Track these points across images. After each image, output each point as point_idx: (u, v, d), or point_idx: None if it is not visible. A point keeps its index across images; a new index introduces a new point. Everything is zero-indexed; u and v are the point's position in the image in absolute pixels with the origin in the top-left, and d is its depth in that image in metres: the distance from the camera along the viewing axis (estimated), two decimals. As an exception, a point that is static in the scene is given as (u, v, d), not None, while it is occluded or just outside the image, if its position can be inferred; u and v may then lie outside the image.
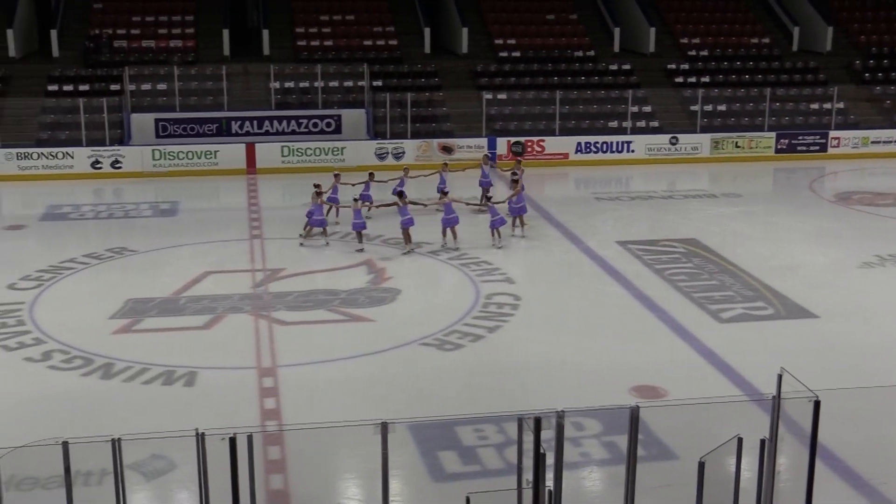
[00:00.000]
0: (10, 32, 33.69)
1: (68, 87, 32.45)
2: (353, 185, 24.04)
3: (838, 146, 34.15)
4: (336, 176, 23.88)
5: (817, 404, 9.43)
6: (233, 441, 8.69)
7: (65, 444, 8.94)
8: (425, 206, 24.21)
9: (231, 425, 9.28)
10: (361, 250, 21.46)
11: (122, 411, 13.58)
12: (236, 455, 8.74)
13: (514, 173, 24.97)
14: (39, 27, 36.50)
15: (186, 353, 15.67)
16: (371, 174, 24.78)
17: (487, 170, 26.40)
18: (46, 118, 31.59)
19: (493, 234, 22.06)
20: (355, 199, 22.18)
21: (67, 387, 14.45)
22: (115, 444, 8.95)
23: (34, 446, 10.11)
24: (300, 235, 22.40)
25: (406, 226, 21.48)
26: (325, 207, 22.74)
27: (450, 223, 21.82)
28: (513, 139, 32.35)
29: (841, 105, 35.24)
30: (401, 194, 22.36)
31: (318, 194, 22.14)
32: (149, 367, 15.01)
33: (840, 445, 12.10)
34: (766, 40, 38.55)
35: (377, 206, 23.91)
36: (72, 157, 30.00)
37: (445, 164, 26.33)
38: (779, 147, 33.81)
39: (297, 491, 11.47)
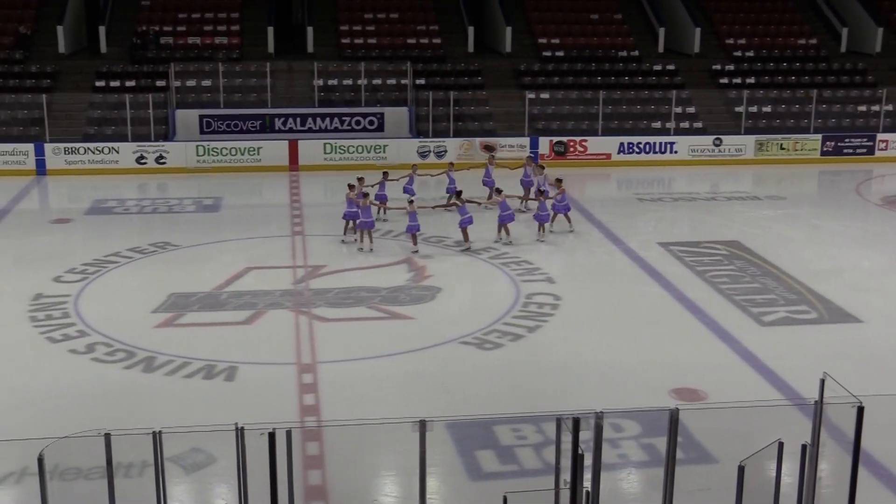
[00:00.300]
0: (59, 29, 34.17)
1: (115, 83, 32.82)
2: (372, 185, 23.91)
3: (886, 149, 33.65)
4: (360, 180, 23.70)
5: (861, 410, 9.32)
6: (272, 436, 8.73)
7: (107, 436, 9.05)
8: (480, 204, 24.08)
9: (270, 420, 9.34)
10: (416, 252, 21.37)
11: (163, 404, 13.72)
12: (275, 450, 8.78)
13: (532, 167, 25.79)
14: (88, 24, 37.00)
15: (227, 348, 15.80)
16: (385, 173, 24.74)
17: (492, 170, 26.25)
18: (93, 113, 31.98)
19: (539, 229, 22.43)
20: (410, 202, 22.03)
21: (110, 379, 14.62)
22: (156, 437, 9.03)
23: (77, 437, 10.23)
24: (344, 241, 22.25)
25: (465, 224, 21.67)
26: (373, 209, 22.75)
27: (505, 220, 21.93)
28: (555, 139, 32.26)
29: (890, 107, 34.71)
30: (459, 193, 22.23)
31: (365, 195, 22.09)
32: (190, 361, 15.15)
33: (884, 452, 11.94)
34: (814, 41, 38.10)
35: (436, 207, 23.82)
36: (117, 153, 30.35)
37: (451, 164, 26.36)
38: (825, 149, 33.39)
39: (335, 487, 11.52)
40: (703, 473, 11.69)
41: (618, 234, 23.26)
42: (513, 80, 35.18)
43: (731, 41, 37.75)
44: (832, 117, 34.55)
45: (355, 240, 22.02)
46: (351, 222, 22.34)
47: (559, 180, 23.33)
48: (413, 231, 21.62)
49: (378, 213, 24.04)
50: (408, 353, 15.78)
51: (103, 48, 34.85)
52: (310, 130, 32.37)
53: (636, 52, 36.56)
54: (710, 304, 18.18)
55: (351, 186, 22.34)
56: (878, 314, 17.72)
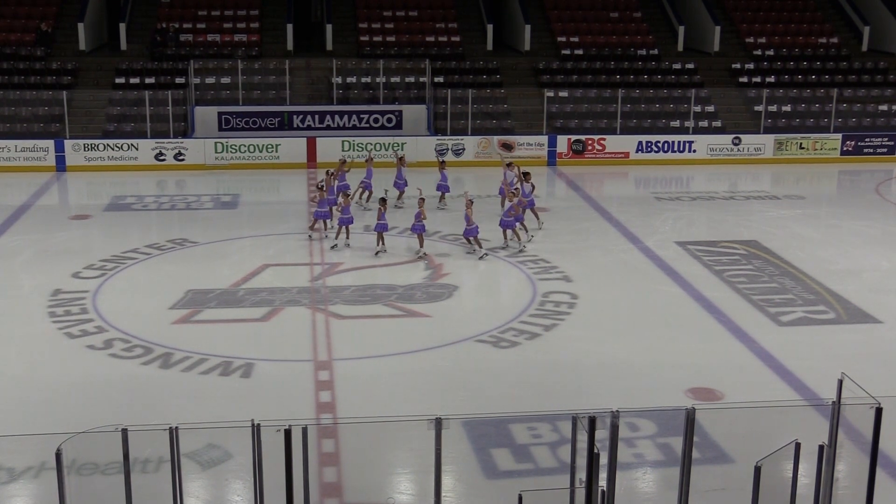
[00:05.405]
0: (80, 26, 34.37)
1: (135, 80, 32.98)
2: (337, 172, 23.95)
3: (907, 149, 33.50)
4: (328, 174, 23.63)
5: (879, 411, 9.27)
6: (288, 433, 8.76)
7: (124, 431, 9.09)
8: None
9: (286, 417, 9.36)
10: (382, 252, 21.00)
11: (180, 400, 13.77)
12: (291, 447, 8.80)
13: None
14: (109, 21, 37.23)
15: (244, 345, 15.84)
16: (343, 160, 25.19)
17: (448, 173, 25.82)
18: (113, 110, 32.13)
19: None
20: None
21: (127, 375, 14.68)
22: (173, 433, 9.07)
23: (95, 432, 10.29)
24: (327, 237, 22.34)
25: (381, 230, 21.12)
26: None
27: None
28: (573, 137, 32.20)
29: (911, 107, 34.55)
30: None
31: (321, 188, 22.41)
32: (207, 358, 15.20)
33: (901, 454, 11.87)
34: (835, 40, 37.89)
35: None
36: (136, 149, 30.48)
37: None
38: (845, 149, 33.21)
39: (351, 484, 11.53)
40: (719, 473, 11.65)
41: (635, 233, 23.20)
42: (531, 78, 35.14)
43: (751, 40, 37.60)
44: (853, 116, 34.36)
45: (326, 236, 22.29)
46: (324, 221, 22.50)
47: (526, 174, 23.19)
48: (380, 230, 21.09)
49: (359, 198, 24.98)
50: (424, 350, 15.79)
51: (123, 45, 35.04)
52: (328, 128, 32.46)
53: (655, 51, 36.45)
54: (728, 303, 18.11)
55: (320, 188, 22.65)
56: (898, 315, 17.63)
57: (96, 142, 30.42)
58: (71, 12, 35.50)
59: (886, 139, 33.38)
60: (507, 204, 22.02)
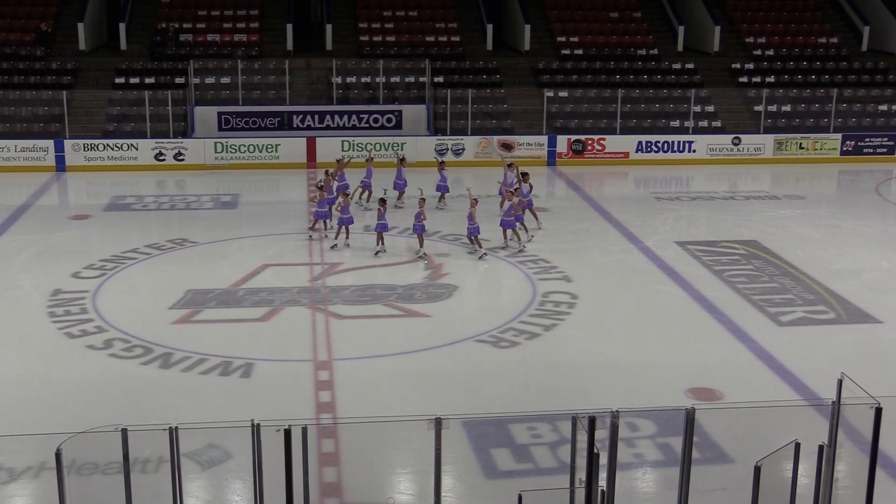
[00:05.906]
0: (80, 26, 34.37)
1: (135, 80, 32.98)
2: (336, 173, 23.88)
3: (906, 149, 33.50)
4: (328, 173, 23.66)
5: (879, 411, 9.27)
6: (288, 433, 8.76)
7: (124, 431, 9.09)
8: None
9: (286, 417, 9.36)
10: (382, 252, 21.00)
11: (180, 400, 13.78)
12: (291, 447, 8.80)
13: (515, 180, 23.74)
14: (108, 21, 37.23)
15: (244, 345, 15.84)
16: (338, 161, 25.14)
17: (448, 173, 25.82)
18: (113, 110, 32.13)
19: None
20: (382, 200, 21.42)
21: (127, 375, 14.68)
22: (173, 433, 9.07)
23: (94, 432, 10.28)
24: (326, 236, 22.31)
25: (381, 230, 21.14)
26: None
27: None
28: (573, 137, 32.20)
29: (911, 107, 34.54)
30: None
31: (321, 188, 22.47)
32: (206, 358, 15.20)
33: (901, 454, 11.88)
34: (835, 40, 37.89)
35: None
36: (136, 149, 30.48)
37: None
38: (844, 149, 33.21)
39: (350, 484, 11.53)
40: (718, 473, 11.65)
41: (635, 233, 23.20)
42: (531, 78, 35.14)
43: (750, 40, 37.60)
44: (852, 116, 34.36)
45: (325, 236, 22.30)
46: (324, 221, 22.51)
47: (525, 174, 23.14)
48: (381, 230, 21.05)
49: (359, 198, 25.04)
50: (424, 350, 15.79)
51: (123, 45, 35.04)
52: (328, 128, 32.46)
53: (655, 51, 36.45)
54: (728, 303, 18.11)
55: (320, 188, 22.63)
56: (898, 315, 17.63)
57: (96, 142, 30.42)
58: (71, 12, 35.49)
59: (886, 139, 33.38)
60: (507, 204, 22.03)
